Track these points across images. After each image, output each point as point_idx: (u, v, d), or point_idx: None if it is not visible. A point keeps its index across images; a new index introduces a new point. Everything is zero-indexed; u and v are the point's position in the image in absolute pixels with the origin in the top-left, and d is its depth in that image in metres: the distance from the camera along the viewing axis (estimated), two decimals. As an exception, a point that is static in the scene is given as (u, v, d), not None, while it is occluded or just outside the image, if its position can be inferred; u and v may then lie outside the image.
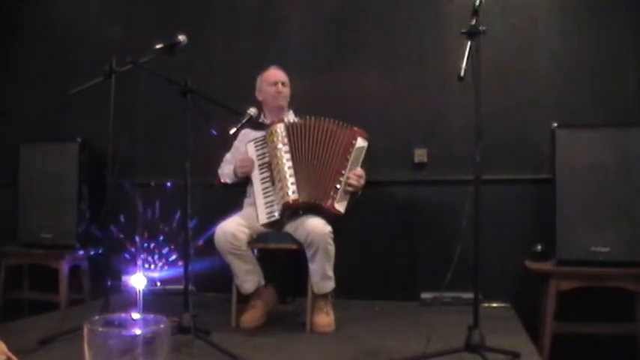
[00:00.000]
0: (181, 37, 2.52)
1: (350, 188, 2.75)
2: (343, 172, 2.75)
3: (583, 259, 2.83)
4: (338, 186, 2.72)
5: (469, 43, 2.06)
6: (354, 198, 2.79)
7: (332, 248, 2.64)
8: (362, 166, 2.82)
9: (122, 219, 3.68)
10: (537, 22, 3.40)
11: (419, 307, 3.21)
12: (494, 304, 3.17)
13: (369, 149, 2.84)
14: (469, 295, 2.18)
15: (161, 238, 3.65)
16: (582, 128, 2.98)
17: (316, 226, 2.61)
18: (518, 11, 3.42)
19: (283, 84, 3.04)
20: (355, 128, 2.83)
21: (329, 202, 2.70)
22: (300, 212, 2.76)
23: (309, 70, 3.63)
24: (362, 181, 2.78)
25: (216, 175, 3.09)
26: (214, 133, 2.50)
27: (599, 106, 3.24)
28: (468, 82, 2.02)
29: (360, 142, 2.81)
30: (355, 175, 2.76)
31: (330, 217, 2.71)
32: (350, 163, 2.76)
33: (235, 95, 3.16)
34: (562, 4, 3.40)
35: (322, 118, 2.83)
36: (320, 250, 2.60)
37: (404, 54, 3.57)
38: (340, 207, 2.72)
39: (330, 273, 2.68)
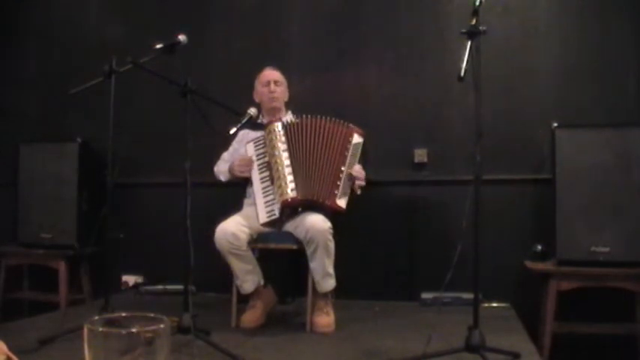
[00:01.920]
0: (181, 37, 2.52)
1: (351, 183, 2.74)
2: (343, 168, 2.75)
3: (583, 259, 2.83)
4: (339, 183, 2.73)
5: (469, 43, 2.06)
6: (353, 194, 2.79)
7: (332, 245, 2.63)
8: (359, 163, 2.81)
9: (122, 219, 3.68)
10: (537, 22, 3.40)
11: (419, 307, 3.21)
12: (495, 304, 3.17)
13: (365, 148, 2.84)
14: (469, 295, 2.18)
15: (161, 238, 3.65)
16: (582, 128, 2.98)
17: (316, 222, 2.61)
18: (518, 11, 3.42)
19: (276, 83, 3.04)
20: (351, 125, 2.84)
21: (331, 200, 2.70)
22: (300, 209, 2.77)
23: (309, 70, 3.64)
24: (362, 175, 2.77)
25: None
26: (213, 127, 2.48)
27: (599, 106, 3.24)
28: (468, 82, 2.02)
29: (357, 139, 2.81)
30: (355, 171, 2.76)
31: (330, 213, 2.71)
32: (348, 159, 2.77)
33: (235, 95, 3.16)
34: (562, 4, 3.40)
35: (318, 117, 2.83)
36: (320, 247, 2.60)
37: (404, 54, 3.57)
38: (342, 203, 2.72)
39: (331, 270, 2.68)
